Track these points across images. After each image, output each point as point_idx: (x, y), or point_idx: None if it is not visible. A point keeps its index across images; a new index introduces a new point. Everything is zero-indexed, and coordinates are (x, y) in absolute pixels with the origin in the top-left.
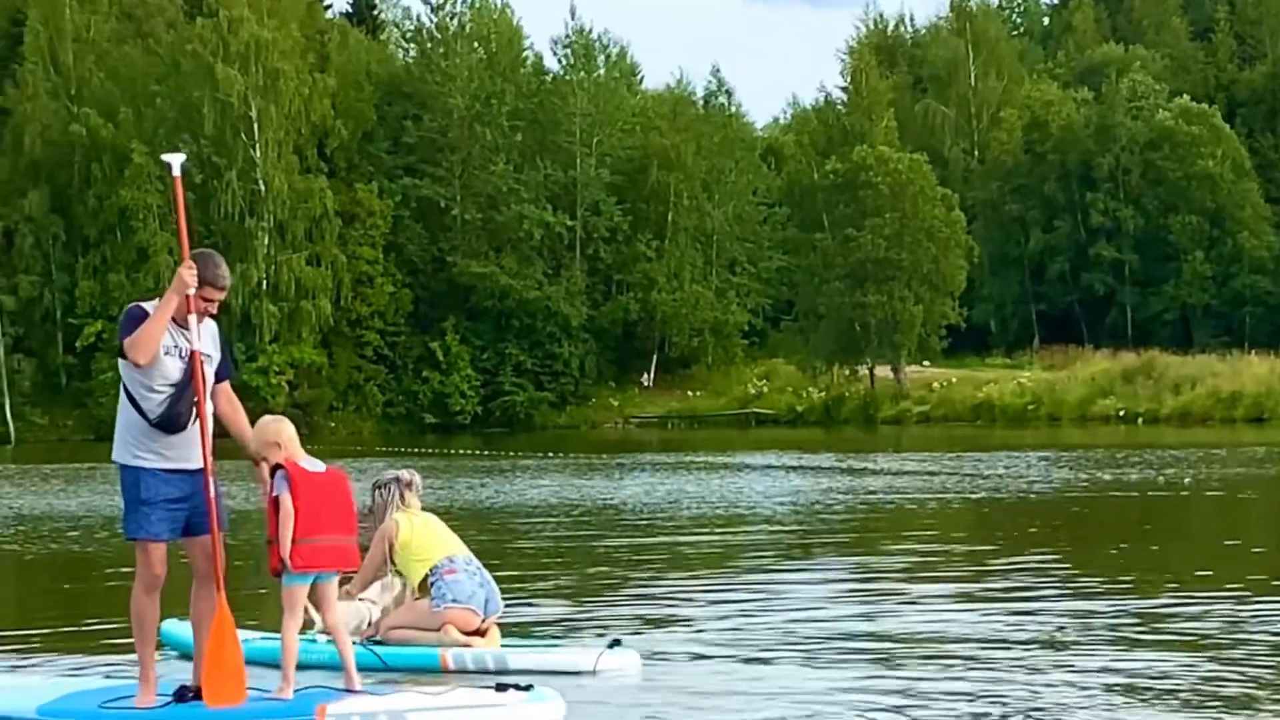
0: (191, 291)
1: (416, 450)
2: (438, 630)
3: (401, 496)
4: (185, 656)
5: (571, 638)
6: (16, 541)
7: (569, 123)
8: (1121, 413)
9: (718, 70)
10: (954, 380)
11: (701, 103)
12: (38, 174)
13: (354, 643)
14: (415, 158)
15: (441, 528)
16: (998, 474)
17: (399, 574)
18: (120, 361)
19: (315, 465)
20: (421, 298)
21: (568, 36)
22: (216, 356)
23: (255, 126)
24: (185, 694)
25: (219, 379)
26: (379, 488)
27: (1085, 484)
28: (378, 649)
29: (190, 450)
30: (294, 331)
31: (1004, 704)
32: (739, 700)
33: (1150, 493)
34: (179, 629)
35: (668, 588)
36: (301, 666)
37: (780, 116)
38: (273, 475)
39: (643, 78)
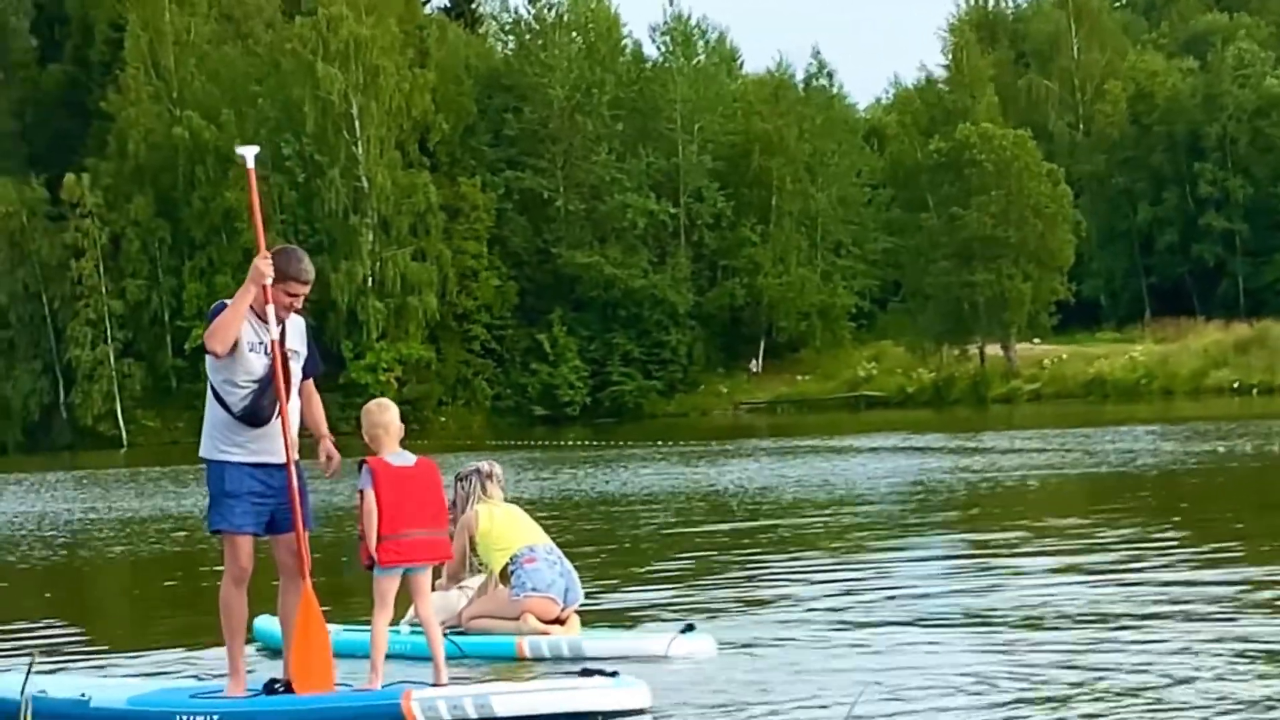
0: (268, 282)
1: (526, 443)
2: (517, 619)
3: (483, 487)
4: (275, 653)
5: (659, 623)
6: (128, 542)
7: (670, 110)
8: (1235, 385)
9: (818, 52)
10: (1065, 356)
11: (803, 85)
12: (143, 178)
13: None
14: (517, 150)
15: (523, 518)
16: (1109, 449)
17: (483, 565)
18: (206, 357)
19: (404, 459)
20: (527, 290)
21: (666, 23)
22: (303, 352)
23: (357, 123)
24: (274, 687)
25: (306, 375)
26: (460, 480)
27: (1199, 457)
28: (457, 638)
29: (274, 444)
30: (401, 328)
31: (1114, 676)
32: (831, 678)
33: (1266, 464)
34: (270, 625)
35: (771, 569)
36: (390, 657)
37: (882, 97)
38: (360, 469)
39: (743, 62)
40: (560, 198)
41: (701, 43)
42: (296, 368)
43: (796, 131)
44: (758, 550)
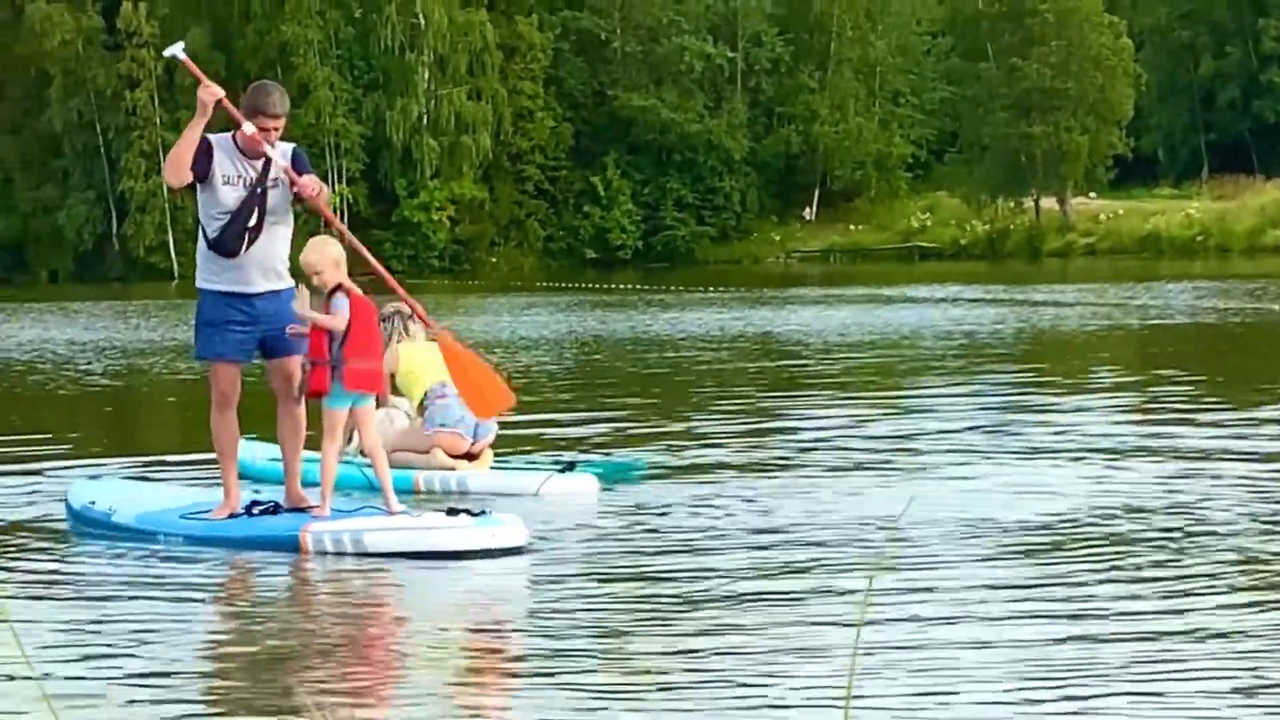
0: (227, 104)
1: (576, 285)
2: (427, 453)
3: (405, 328)
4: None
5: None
6: (178, 369)
7: None
8: None
9: None
10: (1120, 212)
11: None
12: (199, 9)
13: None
14: None
15: (439, 357)
16: (1160, 304)
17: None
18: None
19: (357, 292)
20: (582, 132)
21: None
22: (285, 181)
23: None
24: (253, 508)
25: (299, 199)
26: (383, 320)
27: (1250, 312)
28: (367, 470)
29: (249, 274)
30: (455, 167)
31: (1144, 504)
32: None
33: None
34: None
35: (781, 406)
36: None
37: None
38: (330, 296)
39: None
40: (617, 39)
41: None
42: (279, 198)
43: None
44: (769, 389)
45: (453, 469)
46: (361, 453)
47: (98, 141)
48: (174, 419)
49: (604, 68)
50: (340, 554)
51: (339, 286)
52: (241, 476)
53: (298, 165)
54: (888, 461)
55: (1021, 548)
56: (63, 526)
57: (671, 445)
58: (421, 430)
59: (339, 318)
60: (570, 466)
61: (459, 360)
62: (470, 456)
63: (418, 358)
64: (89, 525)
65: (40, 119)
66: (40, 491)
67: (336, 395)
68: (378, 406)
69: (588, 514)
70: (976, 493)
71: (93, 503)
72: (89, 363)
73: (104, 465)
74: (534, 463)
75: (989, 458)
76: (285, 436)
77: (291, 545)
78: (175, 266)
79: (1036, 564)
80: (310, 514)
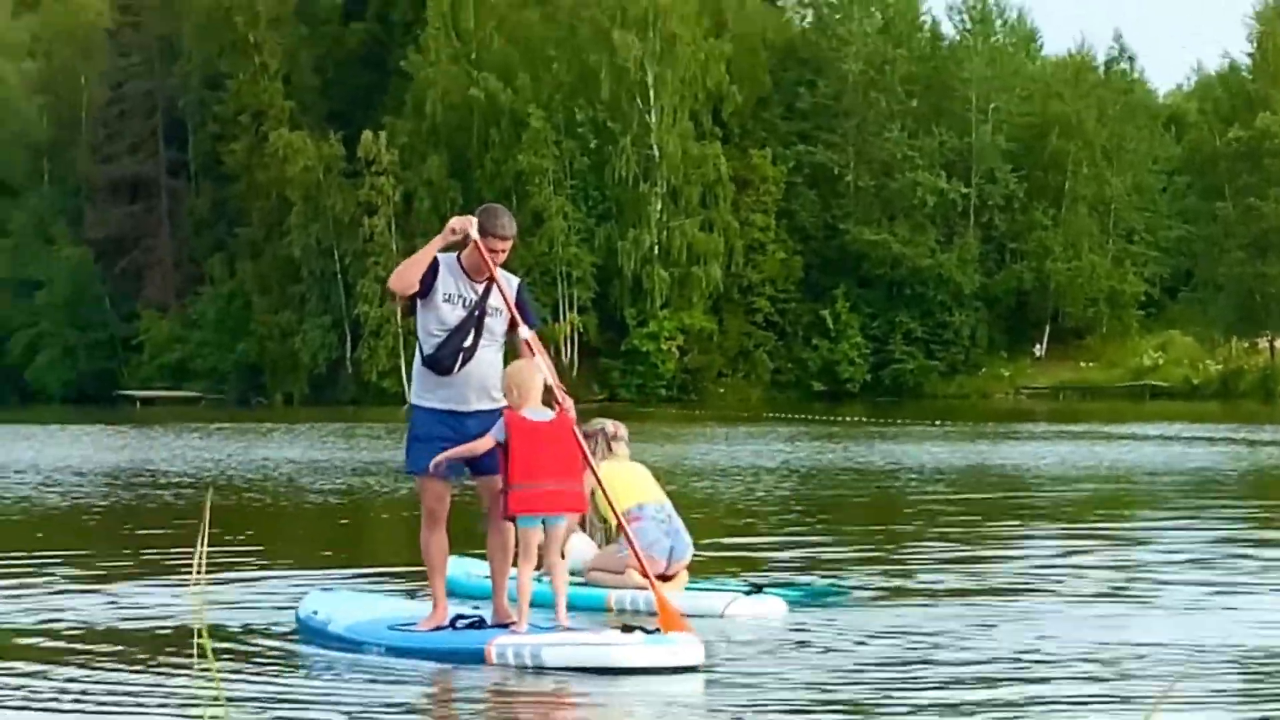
0: (474, 237)
1: (802, 417)
2: (622, 573)
3: (608, 445)
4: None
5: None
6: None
7: (965, 88)
8: None
9: (1120, 36)
10: None
11: (1103, 69)
12: (438, 138)
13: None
14: (809, 124)
15: (639, 477)
16: None
17: (601, 520)
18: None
19: (541, 414)
20: (812, 264)
21: (964, 1)
22: (505, 310)
23: (651, 92)
24: (457, 621)
25: (515, 329)
26: (587, 437)
27: None
28: (578, 589)
29: (461, 393)
30: (685, 297)
31: None
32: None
33: None
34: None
35: (1012, 537)
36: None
37: (1183, 84)
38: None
39: (1042, 43)
40: (850, 173)
41: (999, 22)
42: (496, 323)
43: (1095, 115)
44: (985, 519)
45: (643, 589)
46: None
47: (335, 267)
48: (404, 533)
49: (836, 201)
50: (521, 668)
51: (503, 412)
52: (454, 592)
53: (521, 299)
54: (1105, 594)
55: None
56: (285, 632)
57: (881, 571)
58: (617, 552)
59: (483, 442)
60: (758, 589)
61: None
62: (665, 578)
63: (618, 477)
64: (311, 634)
65: (280, 244)
66: (266, 601)
67: (517, 518)
68: (582, 527)
69: (772, 636)
70: (1204, 622)
71: (315, 612)
72: (313, 481)
73: (332, 577)
74: (724, 584)
75: (1213, 588)
76: (493, 553)
77: (478, 659)
78: (406, 390)
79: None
80: (509, 629)
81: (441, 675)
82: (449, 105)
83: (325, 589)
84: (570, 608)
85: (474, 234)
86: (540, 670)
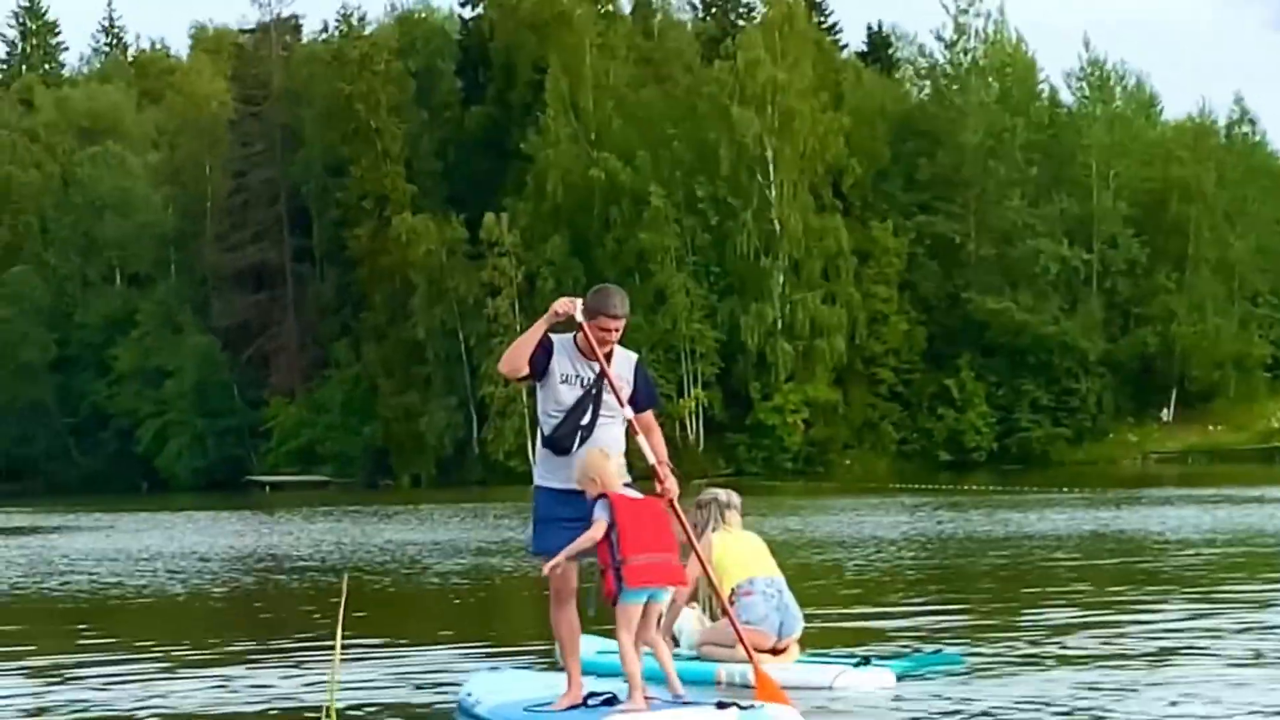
0: (579, 318)
1: (930, 487)
2: (732, 648)
3: (721, 515)
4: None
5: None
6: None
7: (1085, 155)
8: None
9: (1240, 99)
10: None
11: (1224, 132)
12: (559, 218)
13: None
14: (929, 194)
15: (752, 549)
16: None
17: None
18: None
19: (634, 494)
20: (936, 334)
21: (1083, 68)
22: (626, 389)
23: (770, 166)
24: (589, 699)
25: (639, 409)
26: (700, 506)
27: None
28: (700, 663)
29: None
30: (809, 370)
31: None
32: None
33: None
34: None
35: (1140, 602)
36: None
37: None
38: (593, 505)
39: (1161, 108)
40: (971, 242)
41: (1119, 88)
42: (611, 400)
43: (1216, 178)
44: (1112, 584)
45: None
46: (675, 641)
47: (459, 349)
48: (536, 611)
49: (958, 270)
50: None
51: (600, 495)
52: (591, 671)
53: (639, 378)
54: (1239, 657)
55: None
56: (421, 712)
57: (1002, 639)
58: (727, 626)
59: (596, 527)
60: (866, 660)
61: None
62: (776, 651)
63: (730, 549)
64: (463, 715)
65: (404, 327)
66: (402, 682)
67: (626, 593)
68: (694, 599)
69: (881, 709)
70: None
71: (470, 694)
72: (441, 561)
73: (469, 656)
74: (832, 657)
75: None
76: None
77: None
78: (532, 470)
79: None
80: (617, 707)
81: None
82: (569, 185)
83: (493, 668)
84: (682, 682)
85: (579, 316)
86: None
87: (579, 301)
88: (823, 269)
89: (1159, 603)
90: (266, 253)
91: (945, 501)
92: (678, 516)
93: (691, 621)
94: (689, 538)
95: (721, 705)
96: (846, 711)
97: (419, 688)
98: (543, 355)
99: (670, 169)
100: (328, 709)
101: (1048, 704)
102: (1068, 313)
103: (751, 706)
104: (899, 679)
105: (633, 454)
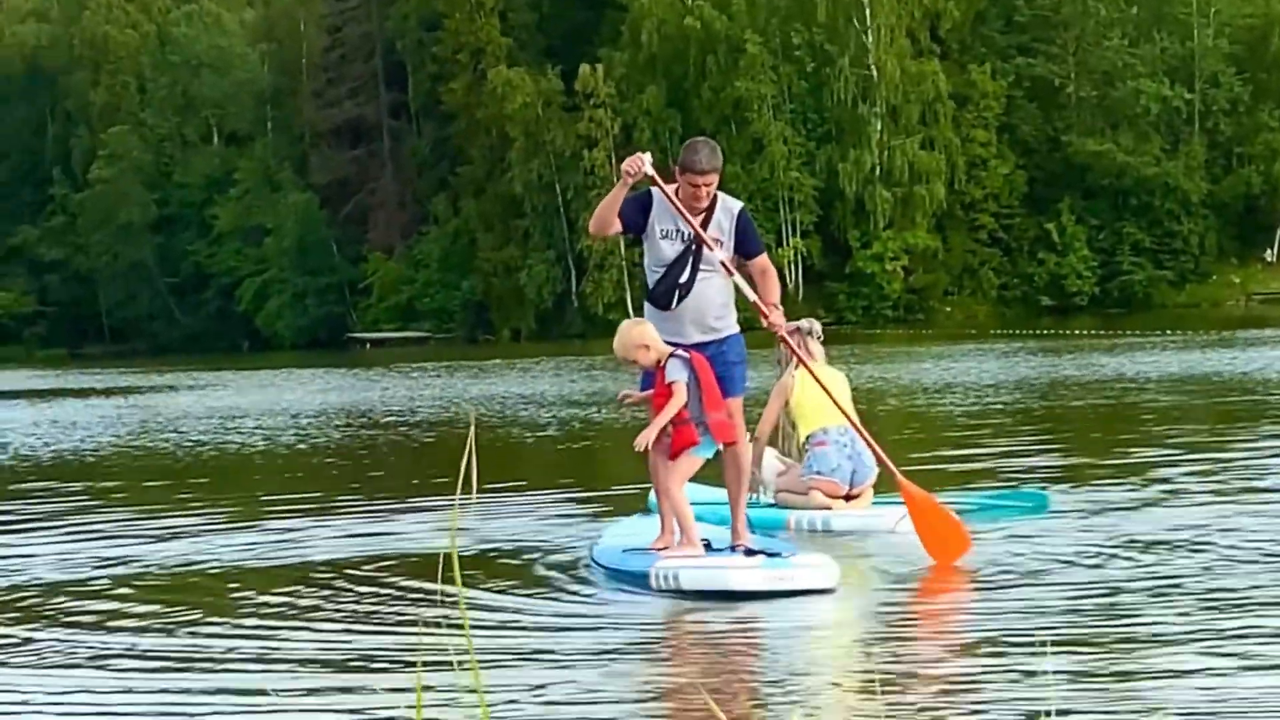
0: (647, 172)
1: (1030, 332)
2: (805, 495)
3: (804, 344)
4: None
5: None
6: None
7: None
8: None
9: None
10: None
11: None
12: (654, 68)
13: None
14: (1028, 36)
15: (834, 389)
16: None
17: (792, 428)
18: None
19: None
20: (1036, 178)
21: None
22: (726, 240)
23: (868, 12)
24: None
25: (748, 256)
26: (790, 334)
27: None
28: (767, 510)
29: (682, 327)
30: (908, 217)
31: None
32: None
33: None
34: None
35: (1245, 439)
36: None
37: None
38: (657, 368)
39: None
40: (1071, 84)
41: None
42: (715, 254)
43: None
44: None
45: (828, 509)
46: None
47: (557, 202)
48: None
49: (1058, 113)
50: (670, 590)
51: (658, 362)
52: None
53: (743, 226)
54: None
55: None
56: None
57: (1104, 478)
58: (801, 474)
59: (679, 388)
60: None
61: (917, 504)
62: (849, 498)
63: (808, 392)
64: (594, 561)
65: (502, 181)
66: (516, 529)
67: (705, 446)
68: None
69: None
70: None
71: (600, 537)
72: (543, 412)
73: (573, 502)
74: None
75: None
76: (729, 480)
77: (644, 581)
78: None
79: None
80: (662, 552)
81: (612, 597)
82: (665, 35)
83: (645, 514)
84: (756, 528)
85: (649, 170)
86: (678, 593)
87: (647, 156)
88: (920, 114)
89: (1266, 438)
90: (363, 108)
91: (1047, 346)
92: (790, 349)
93: (769, 471)
94: (801, 361)
95: (749, 552)
96: (906, 554)
97: (535, 534)
98: (640, 212)
99: (766, 16)
100: (446, 553)
101: (1140, 541)
102: (1169, 153)
103: (777, 555)
104: (970, 517)
105: (739, 301)
